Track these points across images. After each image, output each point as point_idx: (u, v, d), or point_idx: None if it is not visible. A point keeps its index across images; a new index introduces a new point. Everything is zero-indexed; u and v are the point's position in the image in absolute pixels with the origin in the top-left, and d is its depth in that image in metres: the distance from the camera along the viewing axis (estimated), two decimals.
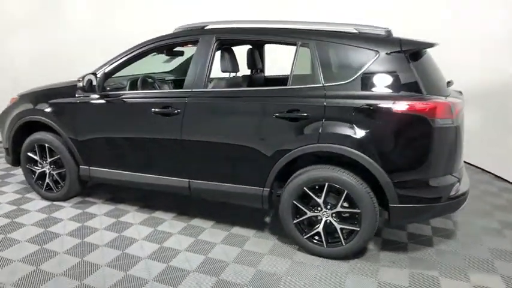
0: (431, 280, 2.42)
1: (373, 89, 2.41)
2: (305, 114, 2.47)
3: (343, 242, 2.56)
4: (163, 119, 2.86)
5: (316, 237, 2.64)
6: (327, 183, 2.50)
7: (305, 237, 2.65)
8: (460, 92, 2.88)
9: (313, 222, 2.66)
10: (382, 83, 2.41)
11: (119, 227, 3.07)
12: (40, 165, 3.49)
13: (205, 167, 2.85)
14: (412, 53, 2.41)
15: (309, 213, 2.61)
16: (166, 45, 3.02)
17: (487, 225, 3.19)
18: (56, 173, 3.44)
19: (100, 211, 3.35)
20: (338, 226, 2.55)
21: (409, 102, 2.29)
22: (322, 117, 2.44)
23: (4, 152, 3.74)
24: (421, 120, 2.29)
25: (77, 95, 3.17)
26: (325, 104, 2.44)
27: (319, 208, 2.59)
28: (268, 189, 2.68)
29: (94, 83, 2.96)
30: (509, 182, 4.18)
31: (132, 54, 3.03)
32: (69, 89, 3.25)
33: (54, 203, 3.50)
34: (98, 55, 6.05)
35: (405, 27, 3.29)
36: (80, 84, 2.94)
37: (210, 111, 2.77)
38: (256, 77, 3.67)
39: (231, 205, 3.27)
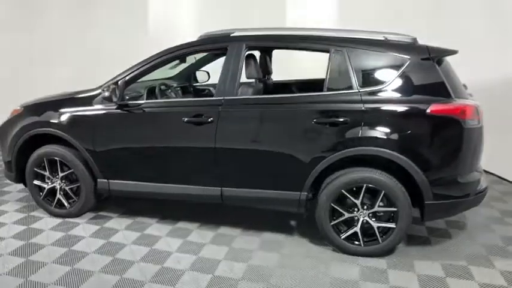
0: (462, 269, 2.61)
1: (406, 94, 2.57)
2: (344, 119, 2.57)
3: (379, 240, 2.69)
4: (195, 128, 2.82)
5: (353, 237, 2.74)
6: (365, 185, 2.62)
7: (342, 237, 2.74)
8: (471, 95, 3.13)
9: (347, 222, 2.76)
10: (414, 88, 2.58)
11: (146, 241, 2.97)
12: (49, 181, 3.28)
13: (239, 174, 2.85)
14: (438, 59, 2.60)
15: (347, 215, 2.71)
16: (193, 52, 2.98)
17: (490, 215, 3.49)
18: (68, 188, 3.24)
19: (120, 225, 3.21)
20: (375, 225, 2.68)
21: (442, 105, 2.48)
22: (361, 122, 2.55)
23: (4, 168, 3.46)
24: (453, 121, 2.48)
25: (95, 105, 3.03)
26: (363, 108, 2.55)
27: (355, 209, 2.70)
28: (306, 193, 2.74)
29: (116, 92, 2.85)
30: (494, 174, 4.58)
31: (156, 61, 2.96)
32: (84, 99, 3.10)
33: (67, 219, 3.30)
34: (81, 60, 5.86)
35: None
36: (106, 94, 2.81)
37: (245, 118, 2.78)
38: (269, 83, 3.72)
39: (251, 210, 3.30)
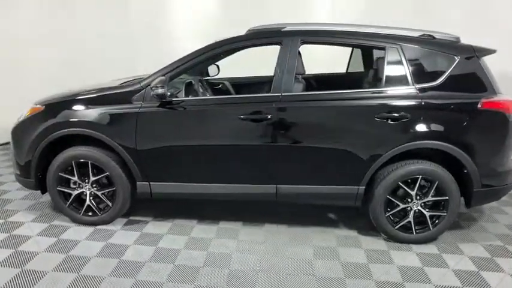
0: (502, 249, 2.88)
1: (457, 90, 2.72)
2: (405, 114, 2.66)
3: (430, 227, 2.85)
4: (252, 125, 2.73)
5: (405, 226, 2.87)
6: (420, 176, 2.75)
7: (396, 228, 2.87)
8: None
9: (398, 213, 2.89)
10: (464, 84, 2.75)
11: (199, 244, 2.83)
12: (76, 186, 2.96)
13: (296, 171, 2.83)
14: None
15: (402, 205, 2.83)
16: (245, 47, 2.86)
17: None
18: (101, 193, 2.96)
19: (161, 230, 3.02)
20: (427, 214, 2.84)
21: (491, 101, 2.68)
22: (421, 116, 2.66)
23: (18, 174, 3.05)
24: (501, 115, 2.69)
25: (135, 102, 2.79)
26: (422, 103, 2.67)
27: (409, 199, 2.83)
28: (364, 187, 2.81)
29: (165, 88, 2.65)
30: None
31: (204, 55, 2.81)
32: (121, 95, 2.84)
33: (98, 227, 3.02)
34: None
35: None
36: (160, 90, 2.60)
37: (305, 115, 2.75)
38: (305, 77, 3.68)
39: (283, 205, 3.31)
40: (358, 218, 3.26)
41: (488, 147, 2.75)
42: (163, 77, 2.66)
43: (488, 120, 2.72)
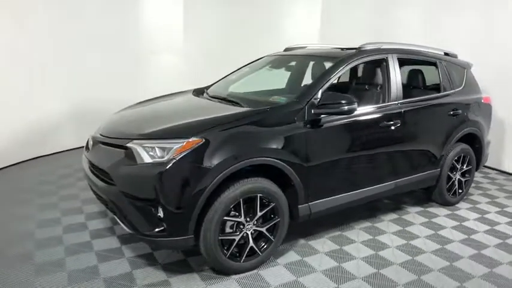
0: (498, 198, 4.33)
1: (469, 92, 3.96)
2: (460, 110, 3.68)
3: (464, 189, 4.01)
4: (388, 131, 3.10)
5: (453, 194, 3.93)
6: (463, 154, 3.86)
7: (450, 195, 3.88)
8: None
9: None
10: (470, 87, 4.01)
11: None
12: (237, 228, 2.45)
13: (407, 167, 3.39)
14: None
15: (453, 177, 3.86)
16: (362, 63, 3.16)
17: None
18: (265, 229, 2.56)
19: (323, 248, 2.90)
20: (463, 180, 3.97)
21: (486, 97, 4.07)
22: (465, 112, 3.75)
23: (160, 234, 2.21)
24: (489, 106, 4.14)
25: (299, 121, 2.62)
26: (465, 102, 3.76)
27: (454, 172, 3.89)
28: (439, 169, 3.66)
29: (355, 104, 2.68)
30: None
31: (338, 73, 2.99)
32: (282, 116, 2.64)
33: (257, 270, 2.59)
34: None
35: None
36: (346, 108, 2.57)
37: (416, 117, 3.35)
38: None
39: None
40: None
41: (486, 127, 4.13)
42: (346, 94, 2.70)
43: (485, 110, 4.10)
